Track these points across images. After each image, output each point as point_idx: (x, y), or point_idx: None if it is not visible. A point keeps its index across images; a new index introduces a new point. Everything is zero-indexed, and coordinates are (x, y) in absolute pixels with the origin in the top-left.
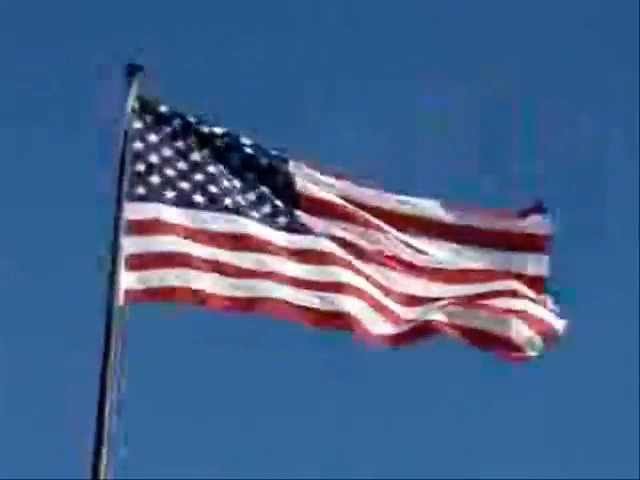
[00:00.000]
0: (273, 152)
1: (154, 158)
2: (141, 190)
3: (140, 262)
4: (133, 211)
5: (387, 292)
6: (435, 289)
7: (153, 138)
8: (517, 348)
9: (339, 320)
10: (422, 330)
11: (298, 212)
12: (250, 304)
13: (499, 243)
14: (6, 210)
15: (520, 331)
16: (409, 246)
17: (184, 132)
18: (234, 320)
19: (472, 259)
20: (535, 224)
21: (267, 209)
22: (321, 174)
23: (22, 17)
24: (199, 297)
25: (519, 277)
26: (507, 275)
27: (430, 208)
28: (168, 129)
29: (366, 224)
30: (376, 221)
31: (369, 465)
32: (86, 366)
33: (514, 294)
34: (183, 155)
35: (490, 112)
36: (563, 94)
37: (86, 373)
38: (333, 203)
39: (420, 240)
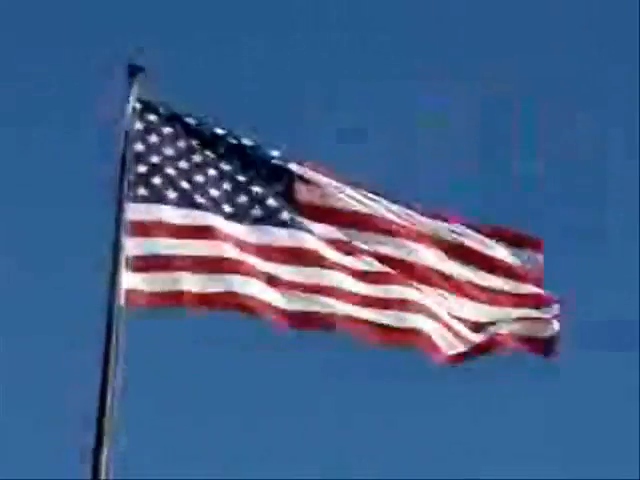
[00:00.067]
0: (274, 153)
1: (155, 159)
2: (142, 191)
3: (147, 264)
4: (134, 212)
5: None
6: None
7: (154, 139)
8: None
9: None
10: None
11: (300, 218)
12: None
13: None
14: (6, 210)
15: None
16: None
17: (185, 133)
18: (234, 320)
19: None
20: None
21: (270, 209)
22: (324, 177)
23: (22, 17)
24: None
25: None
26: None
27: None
28: (169, 130)
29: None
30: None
31: (369, 465)
32: (86, 366)
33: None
34: (184, 156)
35: (490, 112)
36: (563, 94)
37: (86, 373)
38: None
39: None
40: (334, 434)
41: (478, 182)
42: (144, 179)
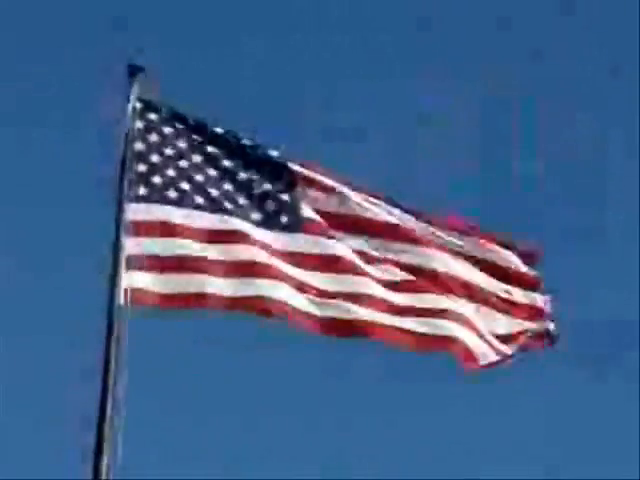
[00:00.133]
0: (274, 153)
1: (155, 159)
2: (142, 191)
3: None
4: (134, 212)
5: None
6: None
7: (154, 138)
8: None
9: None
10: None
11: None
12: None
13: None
14: (6, 210)
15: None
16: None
17: (185, 133)
18: (234, 320)
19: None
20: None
21: (270, 209)
22: (324, 177)
23: (22, 17)
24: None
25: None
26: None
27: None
28: (169, 130)
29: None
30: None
31: (369, 465)
32: (86, 366)
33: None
34: (184, 156)
35: (490, 112)
36: (563, 94)
37: (86, 373)
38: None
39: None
40: (334, 434)
41: (478, 182)
42: (144, 179)
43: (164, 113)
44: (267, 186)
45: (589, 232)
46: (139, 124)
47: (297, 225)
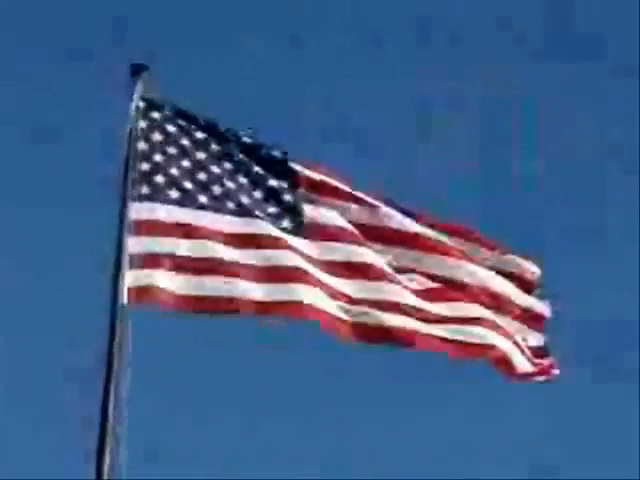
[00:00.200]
0: (275, 152)
1: (159, 158)
2: (145, 190)
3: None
4: (137, 211)
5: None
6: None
7: (158, 137)
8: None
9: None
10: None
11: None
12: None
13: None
14: (7, 210)
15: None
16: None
17: (188, 132)
18: (234, 321)
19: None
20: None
21: (272, 209)
22: (325, 177)
23: (22, 17)
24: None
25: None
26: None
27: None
28: (172, 129)
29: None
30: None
31: (369, 465)
32: (88, 366)
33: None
34: (187, 155)
35: (490, 112)
36: (563, 94)
37: (88, 373)
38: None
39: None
40: (334, 434)
41: (478, 182)
42: (147, 178)
43: (167, 111)
44: (272, 184)
45: (589, 232)
46: (142, 123)
47: (300, 227)
